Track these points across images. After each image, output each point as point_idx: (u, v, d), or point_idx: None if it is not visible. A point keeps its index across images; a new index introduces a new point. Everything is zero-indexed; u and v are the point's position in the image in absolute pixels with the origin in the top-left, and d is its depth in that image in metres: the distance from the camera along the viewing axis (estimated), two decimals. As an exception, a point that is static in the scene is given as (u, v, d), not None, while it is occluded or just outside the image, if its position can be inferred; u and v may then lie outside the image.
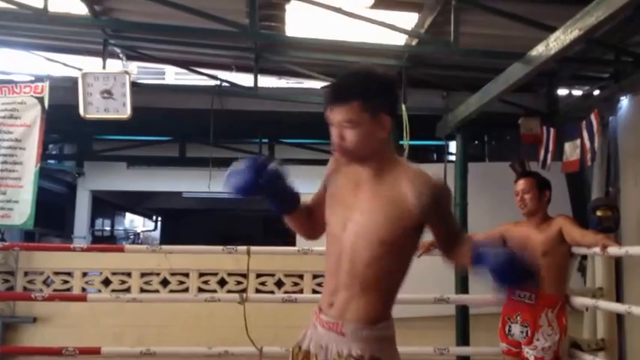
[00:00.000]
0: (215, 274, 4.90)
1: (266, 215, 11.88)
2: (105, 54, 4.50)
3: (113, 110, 4.42)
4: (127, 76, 4.46)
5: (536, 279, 1.59)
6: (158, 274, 4.91)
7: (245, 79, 5.21)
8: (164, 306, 4.67)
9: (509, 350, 3.27)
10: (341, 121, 1.57)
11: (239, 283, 4.80)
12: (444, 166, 4.71)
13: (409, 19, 3.89)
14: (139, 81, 5.19)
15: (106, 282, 4.93)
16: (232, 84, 5.16)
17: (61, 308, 4.71)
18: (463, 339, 4.34)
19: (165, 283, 4.92)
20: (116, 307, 4.61)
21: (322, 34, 4.03)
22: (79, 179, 8.03)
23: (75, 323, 4.71)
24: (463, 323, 4.38)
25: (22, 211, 4.28)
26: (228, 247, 3.59)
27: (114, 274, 4.93)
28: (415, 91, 4.87)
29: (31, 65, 5.37)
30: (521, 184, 3.29)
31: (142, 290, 4.86)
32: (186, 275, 4.91)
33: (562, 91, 5.26)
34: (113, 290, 4.84)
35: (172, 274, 4.91)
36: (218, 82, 5.22)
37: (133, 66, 5.82)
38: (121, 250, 4.71)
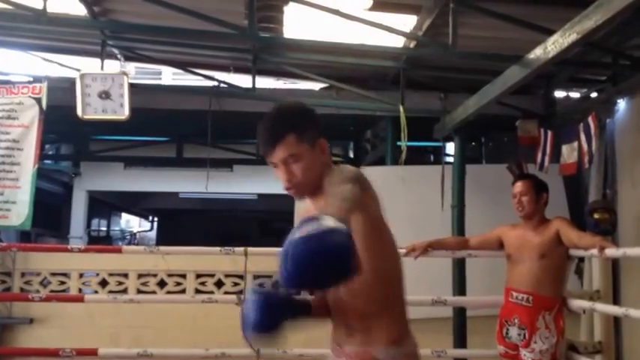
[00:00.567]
0: (212, 276, 4.90)
1: (263, 216, 11.94)
2: (103, 55, 4.49)
3: (111, 111, 4.42)
4: (125, 77, 4.45)
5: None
6: (155, 275, 4.90)
7: (243, 80, 5.21)
8: (161, 307, 4.66)
9: (507, 353, 3.28)
10: (285, 158, 1.55)
11: (236, 284, 4.79)
12: (442, 168, 4.72)
13: (407, 22, 3.89)
14: (136, 82, 5.18)
15: (103, 283, 4.92)
16: (230, 85, 5.16)
17: (57, 309, 4.70)
18: (460, 341, 4.34)
19: (162, 284, 4.92)
20: (113, 308, 4.60)
21: (320, 36, 4.04)
22: (75, 179, 8.02)
23: (72, 324, 4.70)
24: (460, 325, 4.39)
25: (20, 211, 4.27)
26: (226, 248, 3.59)
27: (111, 275, 4.92)
28: (413, 93, 4.88)
29: (29, 66, 5.35)
30: (519, 186, 3.30)
31: (139, 291, 4.85)
32: (184, 276, 4.91)
33: (559, 94, 5.27)
34: (110, 291, 4.83)
35: (169, 275, 4.90)
36: (216, 83, 5.21)
37: (131, 67, 5.81)
38: (119, 250, 4.69)
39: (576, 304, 3.37)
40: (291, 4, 3.73)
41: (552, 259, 3.20)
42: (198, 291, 4.83)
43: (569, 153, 4.24)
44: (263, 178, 7.68)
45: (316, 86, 5.54)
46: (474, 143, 7.04)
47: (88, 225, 8.97)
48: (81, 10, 3.97)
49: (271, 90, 5.63)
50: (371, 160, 6.85)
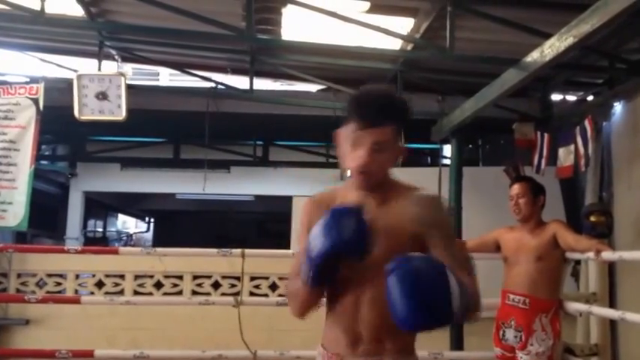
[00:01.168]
0: (209, 277, 4.89)
1: (260, 218, 11.93)
2: (100, 56, 4.49)
3: (108, 112, 4.42)
4: (123, 78, 4.45)
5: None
6: (152, 277, 4.89)
7: (240, 82, 5.21)
8: (158, 309, 4.65)
9: (503, 355, 3.28)
10: (375, 142, 1.47)
11: (233, 285, 4.79)
12: (439, 170, 4.73)
13: (405, 24, 3.90)
14: (133, 83, 5.17)
15: (100, 284, 4.91)
16: (227, 86, 5.16)
17: (54, 310, 4.69)
18: (457, 343, 4.35)
19: (158, 285, 4.91)
20: (109, 310, 4.59)
21: (318, 38, 4.04)
22: (72, 180, 8.00)
23: (68, 326, 4.69)
24: (457, 327, 4.39)
25: (16, 212, 4.25)
26: (223, 249, 3.59)
27: (107, 276, 4.91)
28: (410, 95, 4.85)
29: (26, 66, 5.35)
30: (516, 188, 3.31)
31: (136, 293, 4.84)
32: (180, 278, 4.90)
33: (556, 97, 5.29)
34: (106, 293, 4.82)
35: (166, 277, 4.89)
36: (213, 85, 5.21)
37: (128, 68, 5.81)
38: (115, 252, 4.69)
39: (573, 306, 3.38)
40: (289, 5, 3.73)
41: (549, 262, 3.21)
42: (195, 292, 4.82)
43: (565, 156, 4.26)
44: (260, 179, 7.69)
45: (314, 88, 5.55)
46: (471, 146, 7.05)
47: (85, 226, 8.95)
48: (78, 11, 3.96)
49: (269, 92, 5.63)
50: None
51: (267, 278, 4.90)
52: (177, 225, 11.47)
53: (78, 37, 4.62)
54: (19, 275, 4.90)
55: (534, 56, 3.19)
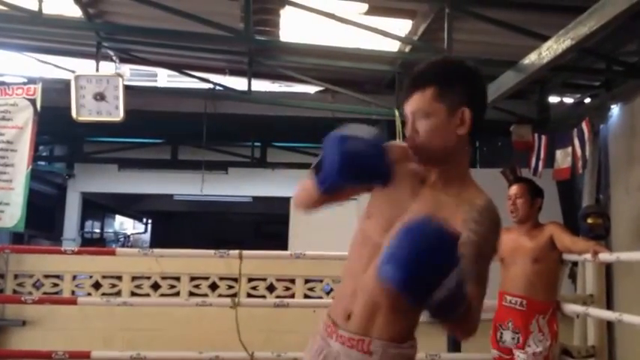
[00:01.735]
0: (206, 278, 4.89)
1: (257, 219, 11.93)
2: (98, 56, 4.48)
3: (106, 113, 4.41)
4: (120, 79, 4.44)
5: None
6: (149, 278, 4.89)
7: (238, 83, 5.21)
8: (154, 310, 4.65)
9: (500, 357, 3.29)
10: (414, 111, 1.37)
11: (230, 287, 4.78)
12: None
13: (402, 26, 3.91)
14: (131, 84, 5.17)
15: (97, 285, 4.90)
16: (225, 87, 5.16)
17: (50, 311, 4.68)
18: (454, 345, 4.35)
19: (156, 286, 4.90)
20: (106, 311, 4.58)
21: (316, 40, 4.04)
22: (69, 181, 7.98)
23: (65, 327, 4.68)
24: (454, 329, 4.39)
25: (13, 213, 4.24)
26: (220, 251, 3.58)
27: (104, 277, 4.90)
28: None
29: (24, 67, 5.33)
30: (515, 189, 3.32)
31: (133, 294, 4.84)
32: (178, 279, 4.89)
33: (554, 99, 5.29)
34: (103, 294, 4.82)
35: (163, 278, 4.89)
36: (211, 86, 5.21)
37: (126, 68, 5.80)
38: (112, 253, 4.68)
39: (570, 308, 3.38)
40: (287, 7, 3.73)
41: (545, 264, 3.21)
42: (192, 294, 4.82)
43: (562, 158, 4.27)
44: (258, 180, 7.68)
45: (312, 89, 5.55)
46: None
47: (82, 227, 8.93)
48: (76, 12, 3.96)
49: (267, 93, 5.63)
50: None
51: (264, 280, 4.90)
52: (175, 226, 11.46)
53: (76, 38, 4.61)
54: (15, 276, 4.89)
55: (532, 58, 3.20)
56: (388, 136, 5.47)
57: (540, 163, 4.48)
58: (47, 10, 3.58)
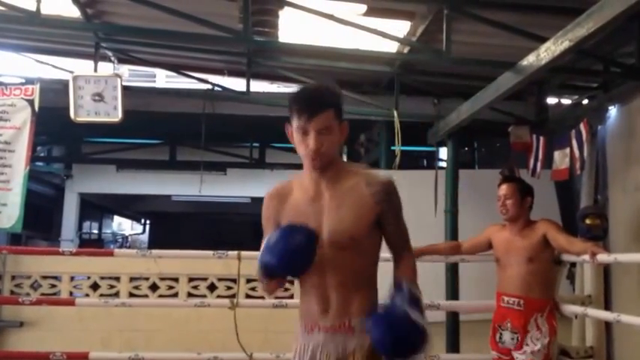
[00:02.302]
0: (205, 279, 4.89)
1: (256, 220, 11.91)
2: (96, 57, 4.47)
3: (104, 113, 4.40)
4: (119, 80, 4.44)
5: (422, 345, 1.62)
6: (147, 279, 4.88)
7: (237, 84, 5.21)
8: (153, 311, 4.64)
9: (500, 358, 3.29)
10: (321, 129, 1.73)
11: (229, 288, 4.78)
12: (435, 173, 4.74)
13: (401, 27, 3.91)
14: (129, 84, 5.16)
15: (95, 286, 4.89)
16: (224, 88, 5.16)
17: (48, 312, 4.67)
18: (453, 346, 4.35)
19: (154, 287, 4.90)
20: (104, 312, 4.58)
21: (315, 41, 4.04)
22: (67, 182, 7.98)
23: (62, 328, 4.68)
24: (453, 330, 4.40)
25: (11, 213, 4.23)
26: (219, 251, 3.58)
27: (102, 278, 4.90)
28: (407, 98, 4.90)
29: (22, 67, 5.32)
30: (504, 189, 3.32)
31: (131, 295, 4.83)
32: (176, 280, 4.89)
33: (552, 100, 5.30)
34: (101, 295, 4.81)
35: (162, 279, 4.88)
36: (210, 86, 5.21)
37: (124, 69, 5.80)
38: (111, 254, 4.68)
39: (568, 309, 3.38)
40: (286, 8, 3.73)
41: (540, 263, 3.22)
42: (190, 295, 4.82)
43: (561, 159, 4.27)
44: (257, 181, 7.68)
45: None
46: (467, 148, 7.06)
47: (80, 228, 8.92)
48: (74, 12, 3.95)
49: (265, 94, 5.63)
50: (365, 165, 6.86)
51: (263, 280, 4.89)
52: (173, 227, 11.45)
53: (74, 39, 4.60)
54: (13, 277, 4.89)
55: (530, 60, 3.20)
56: (387, 136, 5.49)
57: (538, 164, 4.49)
58: (45, 10, 3.57)
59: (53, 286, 4.88)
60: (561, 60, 3.13)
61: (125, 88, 4.51)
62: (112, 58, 4.90)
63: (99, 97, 4.39)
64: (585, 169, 4.17)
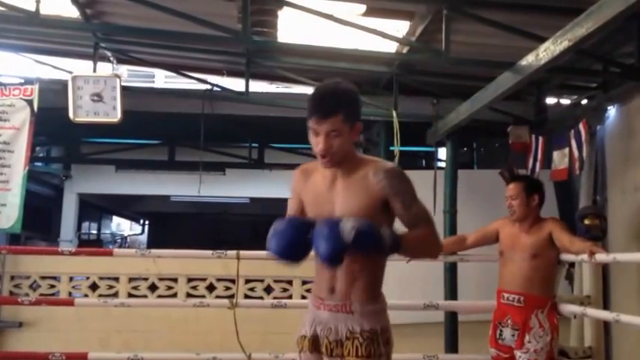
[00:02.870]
0: (204, 279, 4.88)
1: (255, 220, 11.93)
2: (95, 57, 4.47)
3: (103, 114, 4.40)
4: (118, 80, 4.44)
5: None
6: (146, 279, 4.88)
7: (236, 84, 5.21)
8: (151, 311, 4.64)
9: (498, 356, 3.29)
10: (328, 131, 1.84)
11: (228, 288, 4.78)
12: (434, 173, 4.73)
13: (401, 27, 3.91)
14: (128, 84, 5.16)
15: (94, 286, 4.89)
16: (223, 88, 5.16)
17: (47, 313, 4.67)
18: (451, 346, 4.35)
19: (153, 288, 4.89)
20: (103, 312, 4.58)
21: (314, 41, 4.04)
22: (66, 182, 7.97)
23: (61, 328, 4.67)
24: (452, 330, 4.40)
25: (10, 214, 4.23)
26: (218, 251, 3.58)
27: (101, 278, 4.89)
28: (406, 98, 4.90)
29: (21, 67, 5.32)
30: (510, 189, 3.34)
31: (130, 295, 4.83)
32: (175, 280, 4.89)
33: (551, 100, 5.30)
34: (100, 295, 4.80)
35: (161, 279, 4.88)
36: (209, 87, 5.21)
37: (123, 69, 5.79)
38: (110, 254, 4.67)
39: (567, 309, 3.39)
40: (285, 8, 3.73)
41: (544, 260, 3.23)
42: (189, 295, 4.82)
43: (560, 159, 4.27)
44: (256, 181, 7.68)
45: (309, 90, 5.53)
46: (465, 148, 7.07)
47: (79, 228, 8.92)
48: (73, 12, 3.95)
49: (264, 94, 5.63)
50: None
51: (262, 281, 4.89)
52: (172, 227, 11.45)
53: (73, 39, 4.60)
54: (12, 277, 4.88)
55: (529, 60, 3.20)
56: (386, 136, 5.49)
57: (537, 164, 4.49)
58: (44, 10, 3.56)
59: (52, 286, 4.87)
60: (560, 60, 3.13)
61: (124, 89, 4.51)
62: (111, 59, 4.89)
63: (98, 98, 4.39)
64: (584, 169, 4.17)
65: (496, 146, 6.44)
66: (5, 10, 3.67)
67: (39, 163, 7.73)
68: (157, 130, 6.97)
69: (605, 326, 3.92)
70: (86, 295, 4.85)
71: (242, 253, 3.57)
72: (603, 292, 4.01)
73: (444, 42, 3.47)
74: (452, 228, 4.58)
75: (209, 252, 3.62)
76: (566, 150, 4.16)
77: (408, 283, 3.95)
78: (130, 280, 4.89)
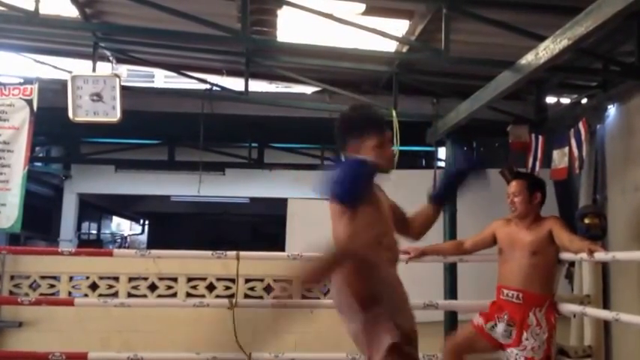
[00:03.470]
0: (204, 279, 4.88)
1: (255, 220, 11.92)
2: (95, 57, 4.47)
3: (103, 113, 4.40)
4: (117, 80, 4.44)
5: None
6: (146, 279, 4.87)
7: (235, 84, 5.20)
8: (151, 311, 4.63)
9: (479, 327, 3.28)
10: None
11: (227, 288, 4.77)
12: (434, 172, 4.73)
13: (400, 27, 3.91)
14: (128, 84, 5.16)
15: (93, 286, 4.88)
16: (223, 88, 5.15)
17: (47, 313, 4.66)
18: (451, 345, 4.34)
19: (153, 287, 4.89)
20: (103, 312, 4.57)
21: (314, 40, 4.04)
22: (65, 182, 7.96)
23: (61, 328, 4.66)
24: (451, 329, 4.39)
25: (10, 214, 4.23)
26: (218, 252, 3.58)
27: (101, 278, 4.89)
28: (405, 98, 4.90)
29: (20, 67, 5.32)
30: (512, 187, 3.35)
31: (130, 295, 4.82)
32: (175, 280, 4.88)
33: (550, 99, 5.30)
34: (100, 295, 4.80)
35: (160, 279, 4.88)
36: (208, 86, 5.20)
37: (123, 69, 5.79)
38: (110, 254, 4.67)
39: (567, 308, 3.38)
40: (284, 7, 3.73)
41: (543, 257, 3.23)
42: (189, 295, 4.81)
43: (559, 158, 4.27)
44: (255, 181, 7.68)
45: (309, 90, 5.55)
46: (465, 148, 7.05)
47: (79, 228, 8.91)
48: (73, 12, 3.95)
49: (264, 94, 5.63)
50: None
51: (261, 280, 4.89)
52: (172, 227, 11.44)
53: (72, 38, 4.60)
54: (12, 277, 4.87)
55: (529, 59, 3.20)
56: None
57: (537, 164, 4.49)
58: (44, 10, 3.57)
59: (52, 286, 4.86)
60: (560, 59, 3.13)
61: (124, 88, 4.51)
62: (111, 58, 4.90)
63: (97, 97, 4.39)
64: (584, 168, 4.17)
65: (496, 145, 6.43)
66: (5, 9, 3.67)
67: (39, 163, 7.73)
68: (157, 130, 6.97)
69: (605, 325, 3.92)
70: (86, 295, 4.84)
71: (242, 253, 3.57)
72: (603, 291, 4.01)
73: (444, 41, 3.47)
74: (452, 227, 4.58)
75: (209, 252, 3.61)
76: (566, 149, 4.16)
77: (407, 283, 3.95)
78: (130, 279, 4.88)
